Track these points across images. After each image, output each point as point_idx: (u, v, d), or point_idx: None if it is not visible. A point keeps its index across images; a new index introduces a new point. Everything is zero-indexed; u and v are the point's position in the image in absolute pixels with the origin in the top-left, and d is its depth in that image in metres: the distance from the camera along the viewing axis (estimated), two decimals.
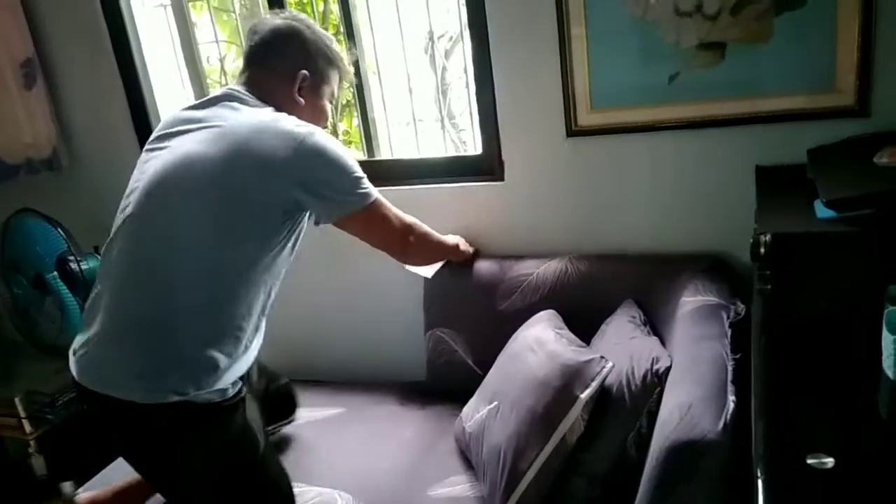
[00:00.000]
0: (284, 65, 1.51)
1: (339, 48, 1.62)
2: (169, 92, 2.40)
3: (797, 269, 1.26)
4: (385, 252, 1.66)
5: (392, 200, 2.10)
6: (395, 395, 2.05)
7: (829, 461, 0.92)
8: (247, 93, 1.47)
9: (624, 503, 1.26)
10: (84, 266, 2.19)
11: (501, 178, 2.01)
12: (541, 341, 1.60)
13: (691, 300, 1.61)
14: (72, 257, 2.17)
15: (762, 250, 1.28)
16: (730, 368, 1.32)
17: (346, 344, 2.33)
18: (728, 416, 1.18)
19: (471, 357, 1.96)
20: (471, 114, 2.13)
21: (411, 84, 2.26)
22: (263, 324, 1.50)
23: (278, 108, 1.46)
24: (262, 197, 1.34)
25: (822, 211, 1.28)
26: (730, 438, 1.16)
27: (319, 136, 1.40)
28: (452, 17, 2.31)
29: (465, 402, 1.79)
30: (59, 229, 2.18)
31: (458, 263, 1.97)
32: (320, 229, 1.54)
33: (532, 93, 1.88)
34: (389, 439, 1.83)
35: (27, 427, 2.34)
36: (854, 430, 1.01)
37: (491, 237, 2.06)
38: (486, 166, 2.03)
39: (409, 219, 1.67)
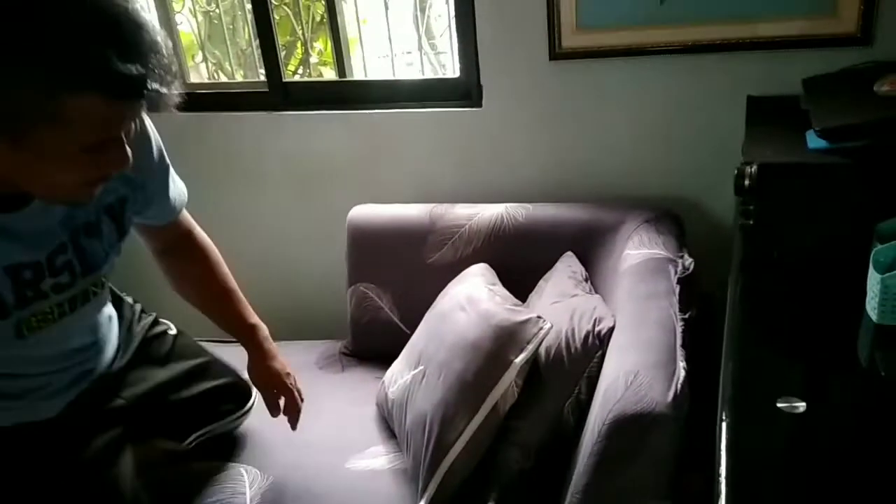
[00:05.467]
0: None
1: None
2: None
3: (783, 203, 1.17)
4: None
5: (361, 125, 2.01)
6: (313, 357, 1.89)
7: (801, 405, 0.85)
8: None
9: (560, 473, 1.17)
10: None
11: (479, 105, 1.89)
12: (472, 299, 1.46)
13: (635, 253, 1.48)
14: None
15: (747, 182, 1.19)
16: (679, 330, 1.21)
17: (261, 301, 2.21)
18: (678, 385, 1.07)
19: (397, 315, 1.82)
20: (451, 34, 2.00)
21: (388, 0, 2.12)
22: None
23: None
24: None
25: (813, 141, 1.19)
26: (681, 410, 1.05)
27: None
28: None
29: (390, 364, 1.65)
30: None
31: None
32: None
33: (514, 8, 1.74)
34: (305, 407, 1.62)
35: None
36: (831, 375, 0.94)
37: (463, 168, 1.95)
38: (463, 90, 1.91)
39: None
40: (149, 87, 0.81)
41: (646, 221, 1.59)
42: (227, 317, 1.30)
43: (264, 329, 1.33)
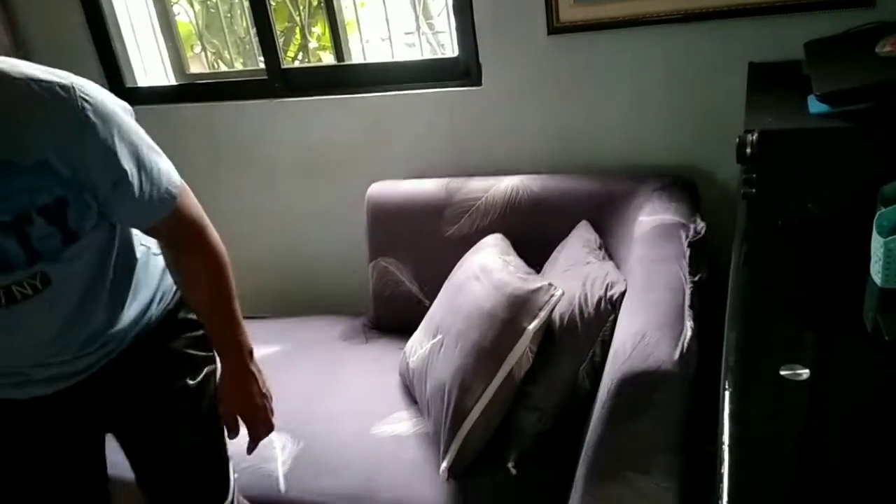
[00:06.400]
0: None
1: None
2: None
3: (785, 170, 1.16)
4: None
5: (362, 108, 2.01)
6: (338, 329, 1.94)
7: (805, 372, 0.85)
8: None
9: (576, 436, 1.20)
10: None
11: (479, 83, 1.88)
12: (486, 269, 1.50)
13: (648, 219, 1.50)
14: None
15: (748, 150, 1.18)
16: (688, 292, 1.22)
17: (287, 276, 2.25)
18: (685, 345, 1.09)
19: (417, 287, 1.86)
20: (448, 13, 1.98)
21: None
22: None
23: None
24: None
25: (815, 106, 1.17)
26: (687, 368, 1.07)
27: None
28: None
29: (411, 335, 1.69)
30: None
31: None
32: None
33: None
34: (332, 377, 1.73)
35: None
36: (836, 341, 0.93)
37: (466, 147, 1.95)
38: (462, 69, 1.90)
39: None
40: None
41: (660, 188, 1.61)
42: (212, 326, 1.20)
43: (247, 347, 1.20)
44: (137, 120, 1.04)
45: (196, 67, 2.43)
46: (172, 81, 2.31)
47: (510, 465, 1.35)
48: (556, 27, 1.72)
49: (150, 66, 2.29)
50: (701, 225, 1.44)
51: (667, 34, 1.66)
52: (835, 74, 1.19)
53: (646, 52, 1.70)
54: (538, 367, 1.35)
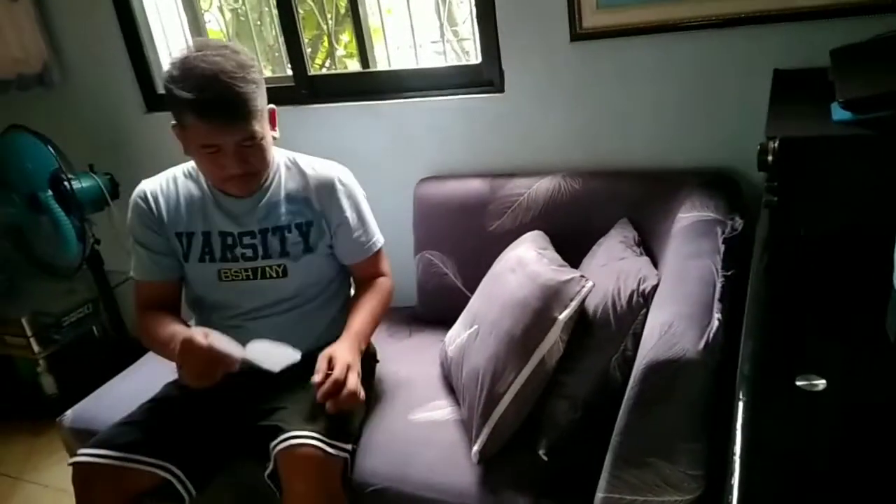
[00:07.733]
0: None
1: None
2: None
3: (808, 179, 1.14)
4: None
5: (387, 114, 2.02)
6: (384, 321, 1.93)
7: (821, 383, 0.83)
8: None
9: (607, 425, 1.20)
10: (77, 185, 2.14)
11: (501, 90, 1.88)
12: (522, 262, 1.53)
13: (686, 216, 1.51)
14: (65, 175, 2.12)
15: (770, 158, 1.16)
16: (718, 285, 1.23)
17: None
18: (711, 335, 1.10)
19: (461, 280, 1.89)
20: (472, 20, 1.99)
21: None
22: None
23: None
24: None
25: (838, 113, 1.15)
26: (712, 358, 1.08)
27: None
28: None
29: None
30: (50, 147, 2.12)
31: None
32: None
33: None
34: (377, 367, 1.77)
35: (35, 346, 2.37)
36: (855, 352, 0.91)
37: (488, 153, 1.96)
38: (485, 76, 1.90)
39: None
40: (227, 113, 1.34)
41: (700, 186, 1.61)
42: (351, 320, 1.55)
43: (359, 336, 1.52)
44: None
45: None
46: None
47: (541, 451, 1.37)
48: (578, 34, 1.72)
49: None
50: (739, 222, 1.43)
51: (691, 40, 1.65)
52: (859, 81, 1.17)
53: (670, 59, 1.69)
54: (571, 357, 1.37)
